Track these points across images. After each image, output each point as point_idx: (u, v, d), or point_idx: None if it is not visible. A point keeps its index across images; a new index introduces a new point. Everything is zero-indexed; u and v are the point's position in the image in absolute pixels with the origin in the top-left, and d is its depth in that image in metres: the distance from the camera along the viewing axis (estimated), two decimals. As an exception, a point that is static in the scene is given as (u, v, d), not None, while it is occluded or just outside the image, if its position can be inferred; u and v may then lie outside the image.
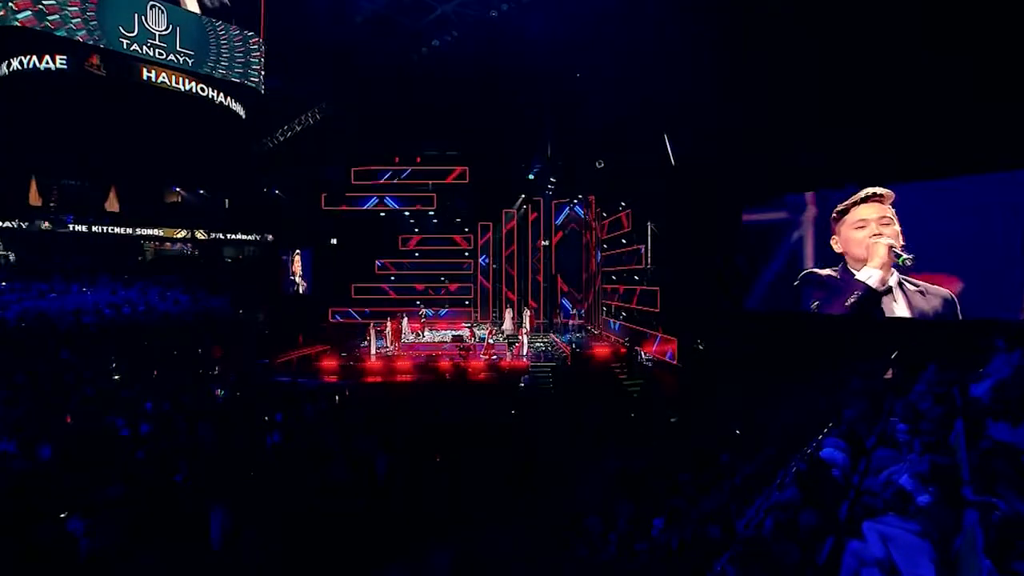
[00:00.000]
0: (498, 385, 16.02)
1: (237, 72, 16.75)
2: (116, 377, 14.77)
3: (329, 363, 17.78)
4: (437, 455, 9.44)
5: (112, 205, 23.40)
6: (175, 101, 15.88)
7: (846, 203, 13.29)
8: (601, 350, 18.58)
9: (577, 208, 23.90)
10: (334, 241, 25.07)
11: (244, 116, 17.51)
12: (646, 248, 18.04)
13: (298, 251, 24.88)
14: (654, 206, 17.83)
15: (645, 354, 17.63)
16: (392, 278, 24.38)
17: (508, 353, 18.35)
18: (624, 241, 19.76)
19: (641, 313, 18.43)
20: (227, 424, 10.18)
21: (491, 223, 24.30)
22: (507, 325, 21.42)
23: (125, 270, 22.43)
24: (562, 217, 24.22)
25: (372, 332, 18.66)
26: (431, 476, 8.44)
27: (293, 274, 25.02)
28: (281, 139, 19.66)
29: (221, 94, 16.40)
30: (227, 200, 26.34)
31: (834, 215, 13.51)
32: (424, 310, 21.81)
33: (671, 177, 16.39)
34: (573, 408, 13.87)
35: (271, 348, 19.11)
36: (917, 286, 12.22)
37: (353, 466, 8.18)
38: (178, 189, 24.10)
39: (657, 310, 17.15)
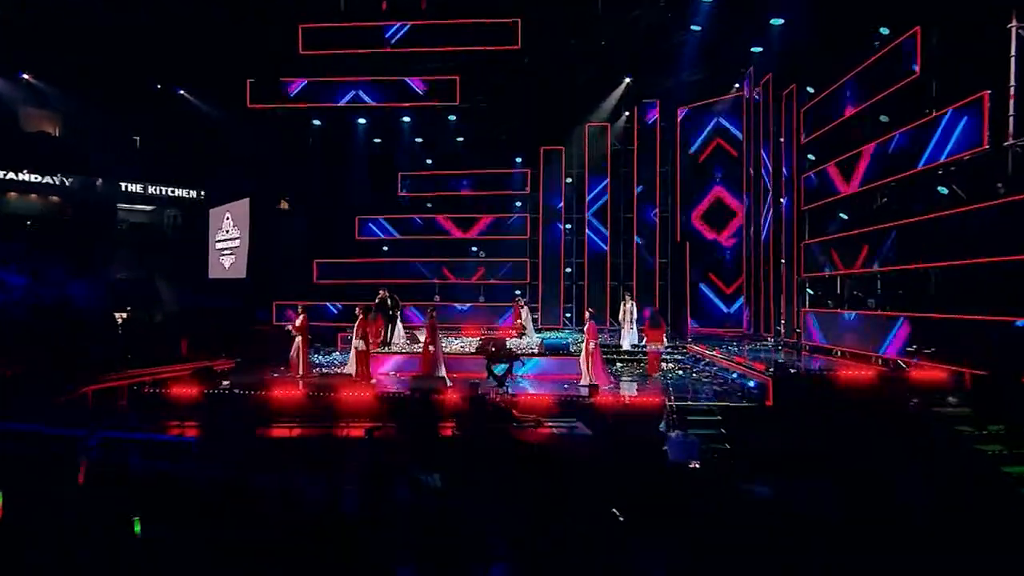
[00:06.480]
0: (580, 455, 5.20)
1: None
2: None
3: (188, 392, 7.23)
4: None
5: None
6: None
7: None
8: (854, 372, 7.29)
9: (723, 119, 12.74)
10: (284, 205, 15.20)
11: None
12: (992, 102, 6.67)
13: (228, 211, 14.69)
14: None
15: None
16: (384, 249, 13.89)
17: (609, 378, 7.30)
18: (884, 119, 8.48)
19: (975, 282, 7.02)
20: None
21: (562, 147, 13.54)
22: (629, 333, 10.10)
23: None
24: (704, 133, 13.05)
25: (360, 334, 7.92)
26: None
27: (219, 246, 14.87)
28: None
29: None
30: (137, 138, 16.68)
31: None
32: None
33: None
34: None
35: (126, 362, 10.22)
36: None
37: None
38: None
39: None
